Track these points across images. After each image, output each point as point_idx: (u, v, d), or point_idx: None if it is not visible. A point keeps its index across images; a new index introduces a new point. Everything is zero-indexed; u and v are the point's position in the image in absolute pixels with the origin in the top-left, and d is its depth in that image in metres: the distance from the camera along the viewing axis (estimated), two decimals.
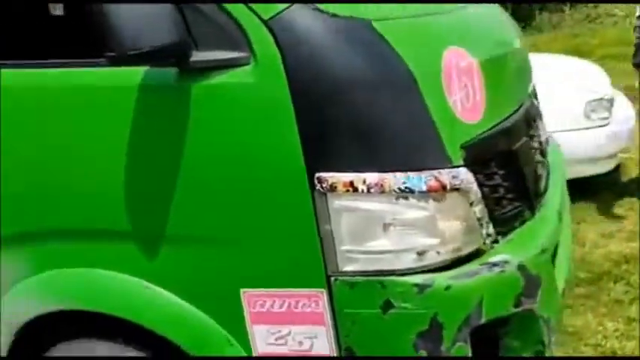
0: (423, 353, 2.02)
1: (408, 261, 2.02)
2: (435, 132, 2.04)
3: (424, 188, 1.98)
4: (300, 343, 2.11)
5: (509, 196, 2.35)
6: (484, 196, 2.18)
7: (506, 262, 2.12)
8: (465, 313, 2.02)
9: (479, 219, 2.14)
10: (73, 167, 2.15)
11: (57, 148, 2.16)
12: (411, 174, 1.98)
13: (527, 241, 2.28)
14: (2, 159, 2.18)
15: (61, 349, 2.36)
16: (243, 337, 2.16)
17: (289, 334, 2.12)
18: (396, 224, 2.00)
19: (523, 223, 2.40)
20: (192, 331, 2.18)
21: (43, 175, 2.19)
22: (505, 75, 2.48)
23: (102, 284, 2.23)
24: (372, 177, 1.96)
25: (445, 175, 2.02)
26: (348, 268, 2.01)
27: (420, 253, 2.03)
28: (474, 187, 2.11)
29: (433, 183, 2.00)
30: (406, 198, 1.98)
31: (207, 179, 2.05)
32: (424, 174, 1.99)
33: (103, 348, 2.31)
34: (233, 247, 2.09)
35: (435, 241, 2.03)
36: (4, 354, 2.42)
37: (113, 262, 2.20)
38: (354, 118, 1.97)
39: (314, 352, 2.11)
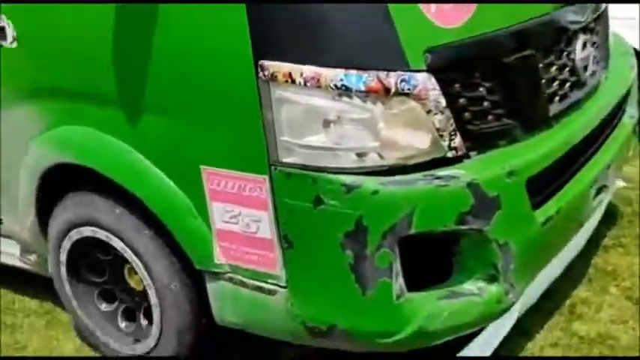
0: (350, 254, 2.03)
1: (347, 161, 2.01)
2: (392, 31, 1.96)
3: (362, 88, 1.93)
4: (248, 225, 2.21)
5: (497, 111, 2.21)
6: (453, 107, 2.07)
7: (453, 177, 2.04)
8: (392, 221, 1.99)
9: (439, 129, 2.05)
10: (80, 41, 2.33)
11: (74, 32, 2.35)
12: (351, 72, 1.93)
13: (499, 161, 2.15)
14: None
15: (70, 198, 2.64)
16: (204, 212, 2.28)
17: (240, 214, 2.21)
18: (335, 122, 1.98)
19: (514, 141, 2.26)
20: (162, 196, 2.33)
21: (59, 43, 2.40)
22: None
23: (93, 143, 2.44)
24: (309, 70, 1.94)
25: (391, 78, 1.95)
26: (287, 159, 2.04)
27: (360, 155, 2.01)
28: (434, 94, 2.02)
29: (374, 84, 1.94)
30: (347, 96, 1.94)
31: (175, 60, 2.15)
32: (367, 73, 1.93)
33: (100, 202, 2.54)
34: (194, 124, 2.19)
35: (375, 144, 1.99)
36: (30, 196, 2.73)
37: (106, 124, 2.39)
38: (301, 8, 1.93)
39: (259, 235, 2.19)
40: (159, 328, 2.57)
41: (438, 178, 2.02)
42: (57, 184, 2.65)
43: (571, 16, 2.46)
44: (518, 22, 2.24)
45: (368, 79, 1.93)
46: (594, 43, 2.68)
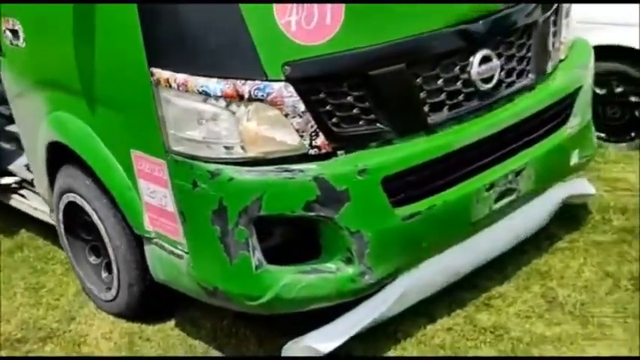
0: (217, 228, 2.49)
1: (218, 152, 2.46)
2: (252, 48, 2.37)
3: (219, 94, 2.38)
4: (161, 200, 2.72)
5: (369, 117, 2.56)
6: (315, 111, 2.46)
7: (301, 170, 2.43)
8: (244, 203, 2.43)
9: (298, 130, 2.45)
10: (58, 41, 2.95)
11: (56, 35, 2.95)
12: (212, 80, 2.38)
13: (357, 160, 2.51)
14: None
15: (63, 169, 3.28)
16: (136, 187, 2.83)
17: (155, 191, 2.74)
18: (206, 120, 2.45)
19: (387, 143, 2.60)
20: (109, 172, 2.91)
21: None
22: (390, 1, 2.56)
23: (68, 125, 3.06)
24: (180, 77, 2.42)
25: (246, 86, 2.38)
26: (176, 148, 2.54)
27: (227, 148, 2.46)
28: (291, 100, 2.41)
29: (229, 91, 2.38)
30: (210, 100, 2.40)
31: (102, 60, 2.71)
32: (225, 82, 2.37)
33: (78, 174, 3.17)
34: (123, 114, 2.74)
35: (237, 140, 2.43)
36: (43, 166, 3.41)
37: (77, 110, 3.00)
38: (178, 29, 2.41)
39: (168, 209, 2.71)
40: (117, 280, 3.16)
41: (287, 170, 2.42)
42: (57, 157, 3.30)
43: (463, 33, 2.71)
44: (389, 39, 2.55)
45: (225, 86, 2.37)
46: (507, 56, 2.90)
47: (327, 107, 2.50)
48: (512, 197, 2.97)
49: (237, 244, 2.48)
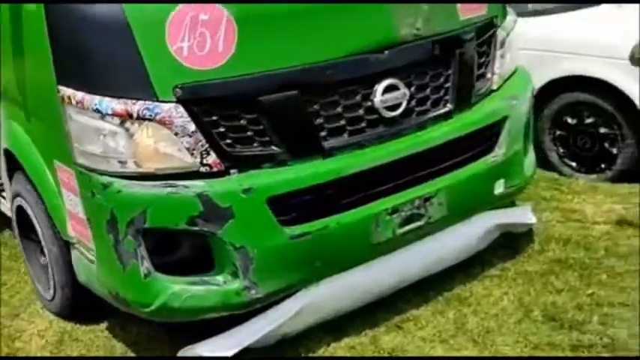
0: (111, 237, 2.67)
1: (113, 166, 2.64)
2: (143, 71, 2.54)
3: (110, 112, 2.56)
4: (75, 207, 2.91)
5: (263, 139, 2.70)
6: (206, 132, 2.61)
7: (185, 186, 2.58)
8: (130, 215, 2.59)
9: (188, 148, 2.61)
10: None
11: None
12: (105, 99, 2.56)
13: (245, 180, 2.65)
14: None
15: (15, 175, 3.53)
16: (61, 195, 3.04)
17: (71, 199, 2.94)
18: (104, 136, 2.63)
19: (281, 164, 2.73)
20: (42, 180, 3.12)
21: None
22: (286, 31, 2.69)
23: (13, 134, 3.30)
24: (78, 95, 2.61)
25: (136, 106, 2.55)
26: (80, 160, 2.73)
27: (122, 162, 2.63)
28: (180, 121, 2.57)
29: (119, 110, 2.55)
30: (104, 118, 2.58)
31: (30, 77, 2.94)
32: (116, 101, 2.55)
33: (22, 179, 3.39)
34: (46, 126, 2.95)
35: (129, 155, 2.60)
36: (4, 172, 3.67)
37: (19, 121, 3.24)
38: (77, 50, 2.61)
39: (80, 216, 2.89)
40: (52, 281, 3.37)
41: (171, 186, 2.57)
42: (13, 163, 3.55)
43: (364, 62, 2.82)
44: (283, 66, 2.68)
45: (116, 105, 2.54)
46: (419, 85, 2.99)
47: (220, 128, 2.64)
48: (421, 222, 3.04)
49: (127, 252, 2.65)
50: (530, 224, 3.71)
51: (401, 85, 2.92)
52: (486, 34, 3.31)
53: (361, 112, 2.86)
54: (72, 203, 2.93)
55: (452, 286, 3.42)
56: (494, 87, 3.38)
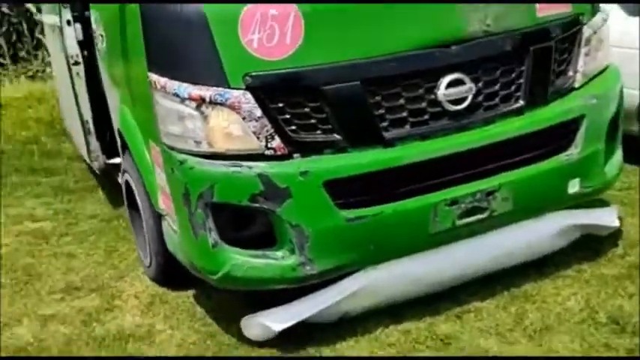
0: (186, 210, 2.97)
1: (190, 145, 2.93)
2: (218, 60, 2.81)
3: (186, 96, 2.85)
4: (163, 181, 3.24)
5: (325, 126, 2.90)
6: (272, 117, 2.84)
7: (249, 167, 2.82)
8: (200, 190, 2.87)
9: (255, 132, 2.85)
10: None
11: None
12: (183, 84, 2.85)
13: (304, 164, 2.85)
14: None
15: (126, 153, 3.94)
16: (154, 171, 3.39)
17: (160, 175, 3.27)
18: (183, 118, 2.93)
19: (341, 151, 2.91)
20: (141, 158, 3.49)
21: None
22: (352, 25, 2.85)
23: (123, 117, 3.71)
24: (161, 81, 2.92)
25: (209, 91, 2.82)
26: (164, 140, 3.04)
27: (197, 142, 2.92)
28: (248, 106, 2.82)
29: (194, 94, 2.84)
30: (182, 101, 2.88)
31: (133, 65, 3.31)
32: (192, 86, 2.83)
33: (129, 157, 3.79)
34: (143, 110, 3.31)
35: (203, 136, 2.88)
36: (120, 149, 4.12)
37: (129, 105, 3.64)
38: (164, 41, 2.93)
39: (166, 190, 3.22)
40: (149, 248, 3.75)
41: (236, 165, 2.82)
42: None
43: (429, 57, 2.93)
44: (346, 58, 2.85)
45: (192, 90, 2.83)
46: (487, 81, 3.05)
47: (285, 115, 2.85)
48: (483, 215, 3.10)
49: (198, 224, 2.94)
50: (613, 227, 3.63)
51: (467, 79, 2.99)
52: (569, 31, 3.28)
53: (424, 104, 2.97)
54: (161, 179, 3.26)
55: (521, 283, 3.44)
56: (577, 85, 3.35)
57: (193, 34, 2.81)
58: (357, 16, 2.86)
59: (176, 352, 3.21)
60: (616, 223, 3.62)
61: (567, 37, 3.28)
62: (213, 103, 2.81)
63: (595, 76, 3.45)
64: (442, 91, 2.96)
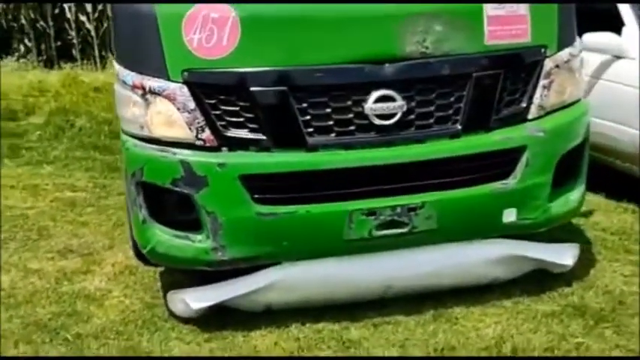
0: (126, 186, 3.30)
1: (136, 129, 3.24)
2: (161, 55, 3.11)
3: (131, 83, 3.17)
4: None
5: (252, 125, 3.13)
6: (204, 111, 3.11)
7: (173, 153, 3.10)
8: (132, 169, 3.18)
9: (187, 123, 3.12)
10: None
11: None
12: (131, 73, 3.18)
13: (225, 157, 3.09)
14: None
15: None
16: None
17: None
18: (130, 104, 3.25)
19: (265, 150, 3.12)
20: None
21: None
22: (286, 34, 3.04)
23: None
24: (116, 67, 3.28)
25: (150, 82, 3.12)
26: (122, 124, 3.38)
27: (141, 127, 3.24)
28: (182, 99, 3.09)
29: (137, 83, 3.16)
30: (129, 88, 3.20)
31: None
32: (137, 76, 3.16)
33: None
34: None
35: (144, 121, 3.19)
36: None
37: None
38: (123, 35, 3.29)
39: None
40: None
41: (164, 151, 3.10)
42: None
43: (359, 72, 3.08)
44: (279, 64, 3.05)
45: (136, 79, 3.15)
46: (421, 100, 3.15)
47: (217, 111, 3.10)
48: (403, 230, 3.19)
49: (131, 200, 3.26)
50: (564, 266, 3.57)
51: (398, 97, 3.10)
52: (523, 62, 3.30)
53: (351, 115, 3.11)
54: None
55: (452, 305, 3.48)
56: (530, 116, 3.35)
57: (144, 29, 3.13)
58: (294, 26, 3.06)
59: (115, 316, 3.52)
60: (568, 262, 3.56)
61: (521, 67, 3.29)
62: (153, 92, 3.11)
63: (556, 109, 3.42)
64: (370, 105, 3.09)
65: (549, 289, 3.59)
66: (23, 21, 9.74)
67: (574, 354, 3.05)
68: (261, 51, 3.06)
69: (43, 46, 9.73)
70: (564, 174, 3.44)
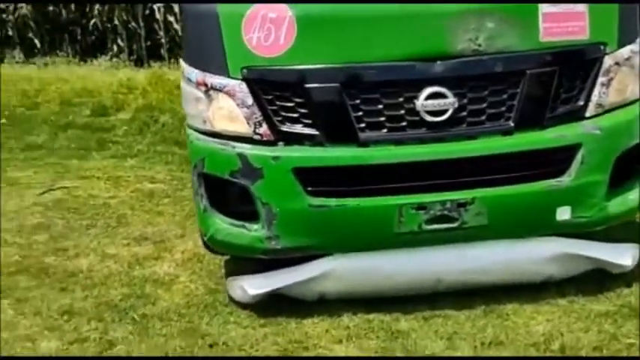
0: (194, 174, 3.48)
1: (199, 124, 3.44)
2: (222, 53, 3.28)
3: (194, 80, 3.36)
4: None
5: (306, 120, 3.27)
6: (261, 106, 3.27)
7: (233, 146, 3.27)
8: (195, 161, 3.37)
9: (246, 118, 3.29)
10: None
11: None
12: (195, 70, 3.37)
13: (278, 150, 3.23)
14: None
15: None
16: None
17: None
18: (195, 100, 3.44)
19: (319, 144, 3.26)
20: None
21: None
22: (341, 32, 3.14)
23: None
24: (182, 66, 3.47)
25: (212, 79, 3.30)
26: (187, 119, 3.58)
27: (204, 121, 3.42)
28: (242, 95, 3.26)
29: (200, 80, 3.34)
30: (194, 85, 3.39)
31: None
32: (201, 73, 3.35)
33: None
34: None
35: (206, 116, 3.38)
36: None
37: None
38: (188, 34, 3.49)
39: None
40: None
41: (223, 144, 3.28)
42: None
43: (410, 69, 3.16)
44: (333, 62, 3.17)
45: (199, 76, 3.34)
46: (473, 98, 3.20)
47: (273, 106, 3.25)
48: (453, 225, 3.24)
49: (195, 190, 3.45)
50: (625, 267, 3.53)
51: (449, 94, 3.16)
52: (581, 59, 3.29)
53: (402, 112, 3.19)
54: None
55: (504, 302, 3.49)
56: (587, 114, 3.33)
57: (207, 28, 3.31)
58: (347, 24, 3.16)
59: (180, 300, 3.73)
60: (627, 263, 3.51)
61: (578, 65, 3.28)
62: (214, 89, 3.29)
63: (615, 108, 3.39)
64: (421, 101, 3.15)
65: (607, 290, 3.55)
66: (116, 22, 10.21)
67: (624, 354, 3.02)
68: (316, 49, 3.18)
69: (134, 46, 10.17)
70: (623, 173, 3.39)
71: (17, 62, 10.60)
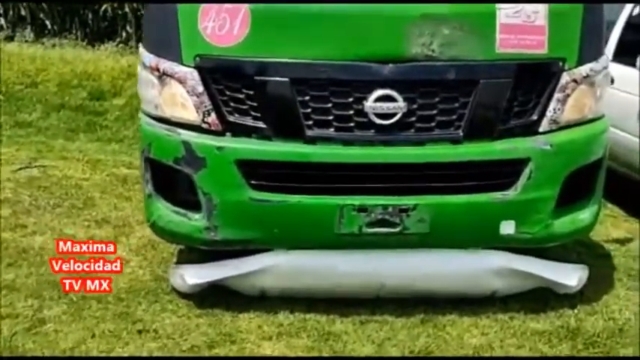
0: (141, 158, 3.47)
1: (151, 109, 3.42)
2: (177, 40, 3.26)
3: (148, 64, 3.35)
4: None
5: (254, 113, 3.25)
6: (211, 95, 3.25)
7: (178, 133, 3.25)
8: (143, 145, 3.36)
9: (195, 105, 3.27)
10: None
11: None
12: (150, 55, 3.36)
13: (222, 140, 3.21)
14: None
15: None
16: None
17: None
18: (149, 85, 3.43)
19: (265, 138, 3.23)
20: None
21: None
22: (294, 29, 3.11)
23: None
24: (140, 51, 3.47)
25: (164, 64, 3.29)
26: (142, 104, 3.57)
27: (155, 107, 3.41)
28: (192, 82, 3.24)
29: (153, 64, 3.33)
30: (148, 70, 3.38)
31: None
32: (154, 58, 3.34)
33: None
34: None
35: (159, 101, 3.37)
36: None
37: None
38: (147, 22, 3.49)
39: None
40: None
41: (169, 130, 3.26)
42: None
43: (360, 70, 3.12)
44: (285, 57, 3.14)
45: (152, 61, 3.33)
46: (423, 104, 3.16)
47: (223, 96, 3.24)
48: (394, 230, 3.20)
49: (142, 175, 3.44)
50: (569, 287, 3.47)
51: (399, 97, 3.12)
52: (537, 73, 3.24)
53: (351, 112, 3.16)
54: None
55: (444, 313, 3.46)
56: (541, 129, 3.28)
57: (165, 16, 3.28)
58: (302, 21, 3.13)
59: (123, 284, 3.72)
60: (572, 283, 3.46)
61: (534, 79, 3.24)
62: (167, 74, 3.28)
63: (571, 125, 3.34)
64: (370, 103, 3.12)
65: (550, 309, 3.50)
66: (127, 9, 10.27)
67: None
68: (269, 42, 3.15)
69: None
70: (575, 191, 3.34)
71: (27, 41, 10.66)
